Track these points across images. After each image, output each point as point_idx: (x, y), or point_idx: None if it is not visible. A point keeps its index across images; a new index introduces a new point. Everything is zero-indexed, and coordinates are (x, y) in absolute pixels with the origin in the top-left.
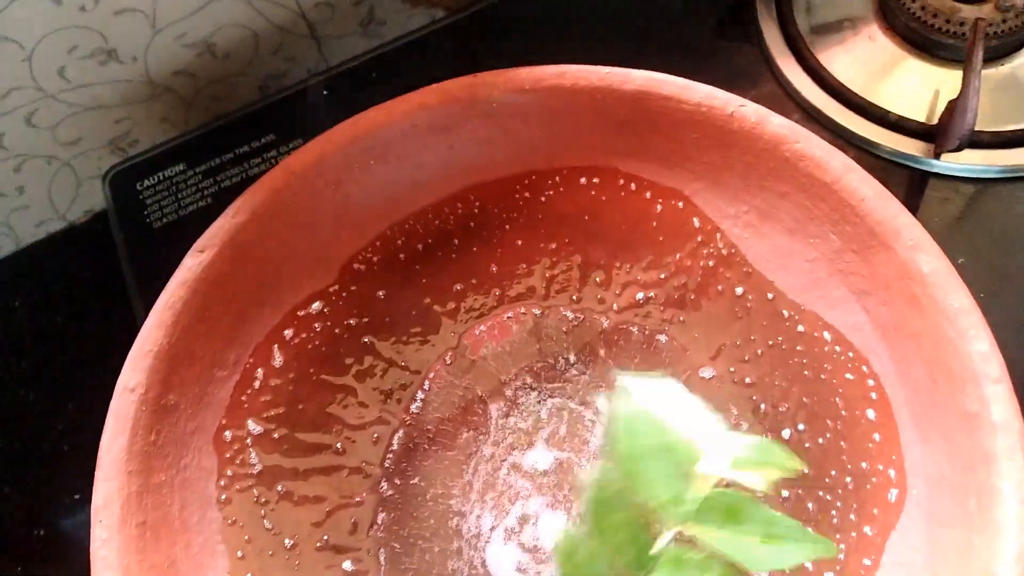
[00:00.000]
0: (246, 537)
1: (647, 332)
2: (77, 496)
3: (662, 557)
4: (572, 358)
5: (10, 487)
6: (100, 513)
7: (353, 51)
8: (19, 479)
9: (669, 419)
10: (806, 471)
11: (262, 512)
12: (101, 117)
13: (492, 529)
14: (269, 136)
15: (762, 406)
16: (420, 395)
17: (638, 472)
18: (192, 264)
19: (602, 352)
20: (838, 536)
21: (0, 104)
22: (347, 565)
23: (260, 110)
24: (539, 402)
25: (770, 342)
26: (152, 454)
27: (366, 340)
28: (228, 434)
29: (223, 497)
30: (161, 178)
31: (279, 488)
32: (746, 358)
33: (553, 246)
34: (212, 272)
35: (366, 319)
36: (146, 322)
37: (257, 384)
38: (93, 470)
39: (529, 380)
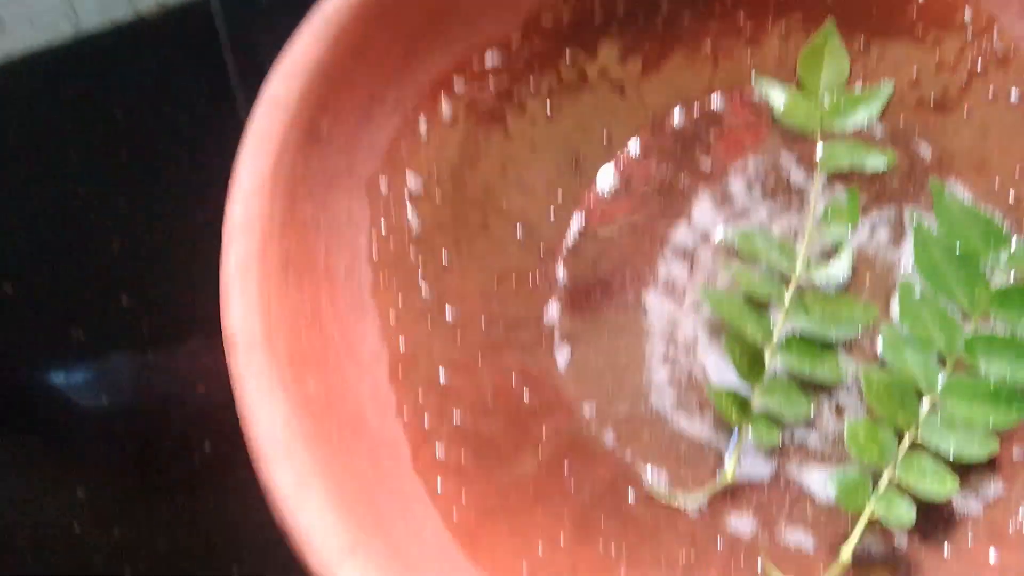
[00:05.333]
0: (400, 302)
1: (893, 140)
2: (124, 302)
3: (972, 341)
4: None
5: (50, 283)
6: (236, 233)
7: None
8: (62, 277)
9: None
10: None
11: (420, 273)
12: None
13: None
14: None
15: None
16: (610, 173)
17: (942, 280)
18: None
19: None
20: None
21: None
22: (518, 345)
23: None
24: (769, 218)
25: None
26: (298, 182)
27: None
28: (384, 183)
29: (375, 253)
30: None
31: (439, 253)
32: (1017, 175)
33: (783, 25)
34: None
35: (547, 84)
36: (299, 33)
37: (420, 133)
38: (145, 275)
39: (758, 194)
